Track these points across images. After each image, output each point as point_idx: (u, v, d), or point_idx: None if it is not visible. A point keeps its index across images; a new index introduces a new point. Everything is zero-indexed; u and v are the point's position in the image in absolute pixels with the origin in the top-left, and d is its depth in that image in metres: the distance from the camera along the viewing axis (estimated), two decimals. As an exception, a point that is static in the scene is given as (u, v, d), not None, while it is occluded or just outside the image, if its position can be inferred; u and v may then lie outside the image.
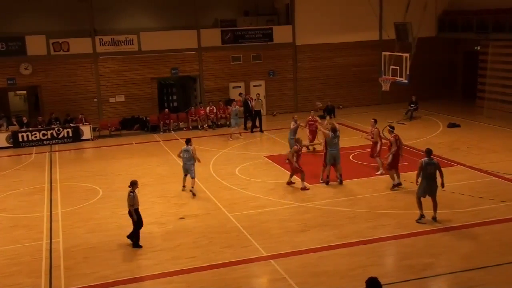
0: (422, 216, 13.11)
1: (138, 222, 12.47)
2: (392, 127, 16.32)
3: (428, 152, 13.05)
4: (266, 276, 11.17)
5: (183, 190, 16.35)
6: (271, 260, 11.49)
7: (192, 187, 16.05)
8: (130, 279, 10.99)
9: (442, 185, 12.98)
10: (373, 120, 17.78)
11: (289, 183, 16.46)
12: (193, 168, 16.08)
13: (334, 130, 16.28)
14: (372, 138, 17.35)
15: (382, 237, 12.45)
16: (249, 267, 11.34)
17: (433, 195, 13.06)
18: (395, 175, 15.73)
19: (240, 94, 26.92)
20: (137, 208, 12.50)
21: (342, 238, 12.42)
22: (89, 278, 11.08)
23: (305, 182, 16.01)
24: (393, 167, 15.75)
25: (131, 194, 12.40)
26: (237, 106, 23.76)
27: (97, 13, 26.52)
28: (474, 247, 11.78)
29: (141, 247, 12.35)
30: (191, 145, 16.15)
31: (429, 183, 12.91)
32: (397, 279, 10.43)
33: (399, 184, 15.71)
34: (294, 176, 16.50)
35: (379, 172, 17.12)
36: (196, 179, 16.25)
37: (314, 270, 10.99)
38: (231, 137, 23.00)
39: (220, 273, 11.05)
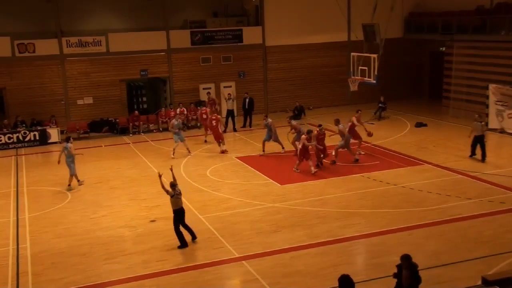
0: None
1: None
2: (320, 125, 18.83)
3: (336, 121, 18.46)
4: (238, 277, 11.18)
5: (68, 190, 16.93)
6: (243, 261, 11.50)
7: (69, 184, 17.00)
8: (100, 283, 10.85)
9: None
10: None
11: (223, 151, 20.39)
12: (73, 165, 16.95)
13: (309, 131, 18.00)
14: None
15: (353, 236, 12.61)
16: (221, 268, 11.33)
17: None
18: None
19: (208, 93, 26.91)
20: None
21: (313, 238, 12.52)
22: (58, 284, 10.88)
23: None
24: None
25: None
26: (179, 120, 21.28)
27: (63, 14, 26.03)
28: (442, 244, 12.04)
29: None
30: (70, 143, 17.12)
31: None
32: (367, 277, 10.57)
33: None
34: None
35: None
36: (74, 177, 17.15)
37: (286, 270, 11.04)
38: (173, 154, 20.44)
39: (191, 275, 11.01)
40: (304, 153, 17.43)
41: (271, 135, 20.15)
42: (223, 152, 20.69)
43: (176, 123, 20.68)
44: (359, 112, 19.92)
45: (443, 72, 27.94)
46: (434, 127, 24.00)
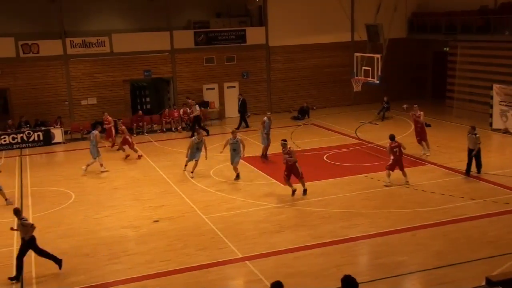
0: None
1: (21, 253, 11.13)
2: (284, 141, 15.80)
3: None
4: (241, 277, 11.17)
5: (7, 203, 15.64)
6: (247, 262, 11.49)
7: (6, 199, 15.73)
8: (103, 284, 10.85)
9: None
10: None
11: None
12: None
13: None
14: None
15: (356, 236, 12.57)
16: (225, 269, 11.33)
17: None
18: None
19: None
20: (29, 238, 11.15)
21: (316, 238, 12.50)
22: (61, 284, 10.90)
23: None
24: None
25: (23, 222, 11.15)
26: (95, 131, 19.24)
27: (67, 15, 26.07)
28: (446, 244, 12.00)
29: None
30: None
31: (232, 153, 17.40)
32: (371, 277, 10.54)
33: None
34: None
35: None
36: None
37: (290, 270, 11.03)
38: (86, 169, 18.88)
39: (195, 276, 11.00)
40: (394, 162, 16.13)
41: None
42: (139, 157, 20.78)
43: (93, 134, 19.09)
44: (415, 106, 19.83)
45: (447, 72, 27.89)
46: (437, 127, 23.92)
